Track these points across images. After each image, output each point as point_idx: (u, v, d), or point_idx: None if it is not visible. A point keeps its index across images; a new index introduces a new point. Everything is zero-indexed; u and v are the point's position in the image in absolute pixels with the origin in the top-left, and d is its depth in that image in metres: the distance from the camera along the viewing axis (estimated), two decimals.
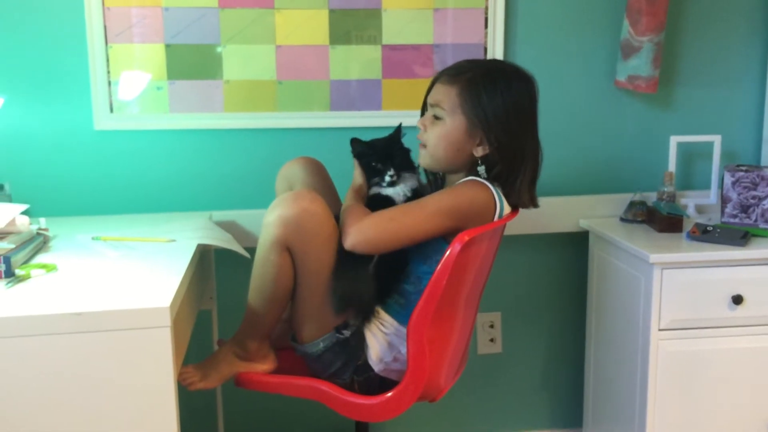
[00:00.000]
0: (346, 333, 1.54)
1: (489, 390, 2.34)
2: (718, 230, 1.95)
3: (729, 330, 1.89)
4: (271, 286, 1.51)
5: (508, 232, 2.09)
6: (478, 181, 1.53)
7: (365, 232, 1.47)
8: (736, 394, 1.91)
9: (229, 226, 2.03)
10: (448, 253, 1.43)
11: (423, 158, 1.62)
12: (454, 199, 1.50)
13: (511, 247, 2.23)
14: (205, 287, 1.96)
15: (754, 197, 2.06)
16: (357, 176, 1.67)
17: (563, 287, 2.32)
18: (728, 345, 1.89)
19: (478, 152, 1.54)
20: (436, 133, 1.57)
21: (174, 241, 1.62)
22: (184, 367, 1.52)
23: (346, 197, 1.63)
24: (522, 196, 1.57)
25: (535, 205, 1.61)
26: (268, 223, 1.47)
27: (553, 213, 2.22)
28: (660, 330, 1.86)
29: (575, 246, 2.27)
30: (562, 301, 2.33)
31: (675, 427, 1.90)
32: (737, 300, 1.86)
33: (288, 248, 1.48)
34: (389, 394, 1.51)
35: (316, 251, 1.48)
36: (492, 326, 2.31)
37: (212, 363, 1.58)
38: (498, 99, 1.51)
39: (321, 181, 1.74)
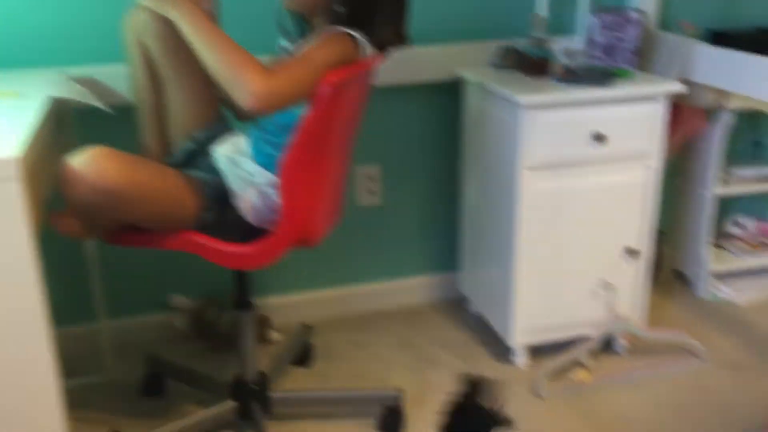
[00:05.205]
0: (209, 214, 1.53)
1: (370, 240, 2.39)
2: (583, 72, 2.01)
3: (592, 167, 1.98)
4: None
5: (383, 82, 2.08)
6: (337, 30, 1.50)
7: (279, 90, 1.36)
8: (599, 226, 2.04)
9: (87, 84, 1.90)
10: (317, 96, 1.41)
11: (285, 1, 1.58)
12: (324, 49, 1.46)
13: (388, 99, 2.22)
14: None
15: (618, 39, 2.12)
16: None
17: (440, 137, 2.35)
18: (592, 181, 1.99)
19: None
20: None
21: (18, 95, 1.50)
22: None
23: (193, 18, 1.39)
24: (385, 33, 1.54)
25: (403, 42, 1.59)
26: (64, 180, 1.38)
27: (427, 62, 2.20)
28: (527, 169, 1.93)
29: (450, 94, 2.29)
30: (440, 151, 2.37)
31: (542, 261, 2.02)
32: (599, 138, 1.94)
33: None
34: (264, 239, 1.51)
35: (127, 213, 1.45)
36: (372, 179, 2.33)
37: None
38: None
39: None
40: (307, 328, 2.17)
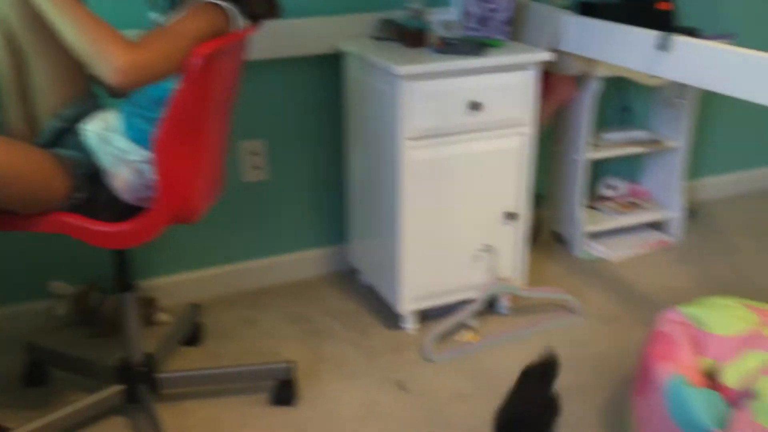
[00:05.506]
0: (81, 195, 1.48)
1: (258, 215, 2.38)
2: (459, 42, 2.06)
3: (470, 135, 2.04)
4: None
5: (263, 56, 2.07)
6: (207, 1, 1.47)
7: (144, 64, 1.30)
8: (478, 192, 2.10)
9: None
10: (188, 68, 1.38)
11: None
12: (193, 20, 1.43)
13: (269, 73, 2.20)
14: None
15: (491, 10, 2.18)
16: None
17: (324, 109, 2.36)
18: (470, 149, 2.05)
19: None
20: None
21: None
22: None
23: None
24: (255, 4, 1.53)
25: (275, 14, 1.58)
26: None
27: (307, 35, 2.20)
28: (408, 140, 1.97)
29: (332, 67, 2.29)
30: (325, 123, 2.37)
31: (427, 228, 2.07)
32: (475, 106, 2.00)
33: None
34: (140, 217, 1.48)
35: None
36: (256, 154, 2.32)
37: None
38: None
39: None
40: (195, 308, 2.14)
